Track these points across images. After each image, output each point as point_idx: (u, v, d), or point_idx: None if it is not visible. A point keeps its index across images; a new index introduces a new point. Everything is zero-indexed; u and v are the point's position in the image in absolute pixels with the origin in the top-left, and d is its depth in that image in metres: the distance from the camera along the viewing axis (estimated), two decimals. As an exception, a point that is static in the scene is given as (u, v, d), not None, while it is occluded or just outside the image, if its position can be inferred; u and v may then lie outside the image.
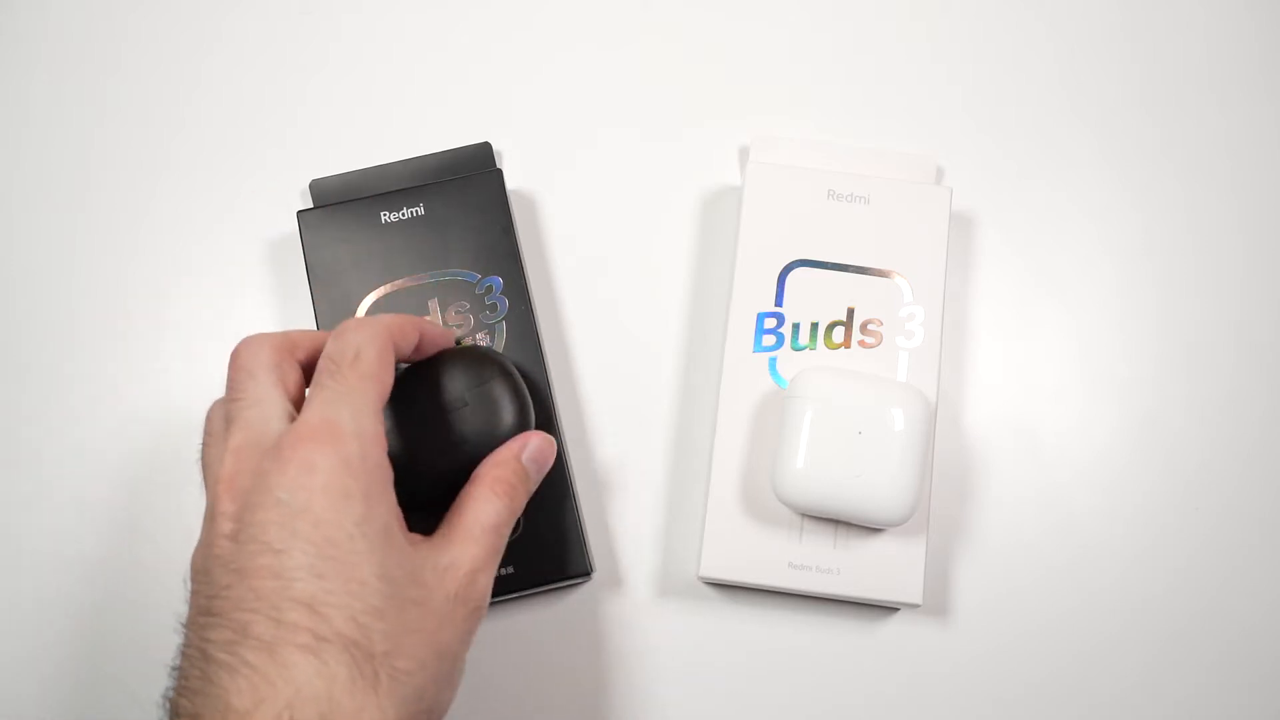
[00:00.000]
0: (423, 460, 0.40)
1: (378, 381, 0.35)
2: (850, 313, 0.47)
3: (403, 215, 0.48)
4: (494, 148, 0.52)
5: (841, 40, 0.54)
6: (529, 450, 0.40)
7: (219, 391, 0.49)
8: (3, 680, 0.47)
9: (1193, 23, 0.54)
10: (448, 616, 0.33)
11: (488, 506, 0.37)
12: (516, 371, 0.43)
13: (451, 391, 0.41)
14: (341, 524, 0.31)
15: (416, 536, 0.35)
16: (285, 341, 0.37)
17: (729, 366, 0.47)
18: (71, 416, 0.49)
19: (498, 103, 0.53)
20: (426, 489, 0.40)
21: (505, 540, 0.38)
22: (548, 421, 0.46)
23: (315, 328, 0.48)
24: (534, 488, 0.41)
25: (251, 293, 0.51)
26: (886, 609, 0.47)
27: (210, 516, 0.34)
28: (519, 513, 0.39)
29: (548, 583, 0.46)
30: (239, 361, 0.37)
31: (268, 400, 0.35)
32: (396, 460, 0.36)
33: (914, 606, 0.46)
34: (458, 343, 0.46)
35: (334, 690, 0.29)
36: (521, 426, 0.42)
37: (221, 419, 0.36)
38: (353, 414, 0.33)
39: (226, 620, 0.31)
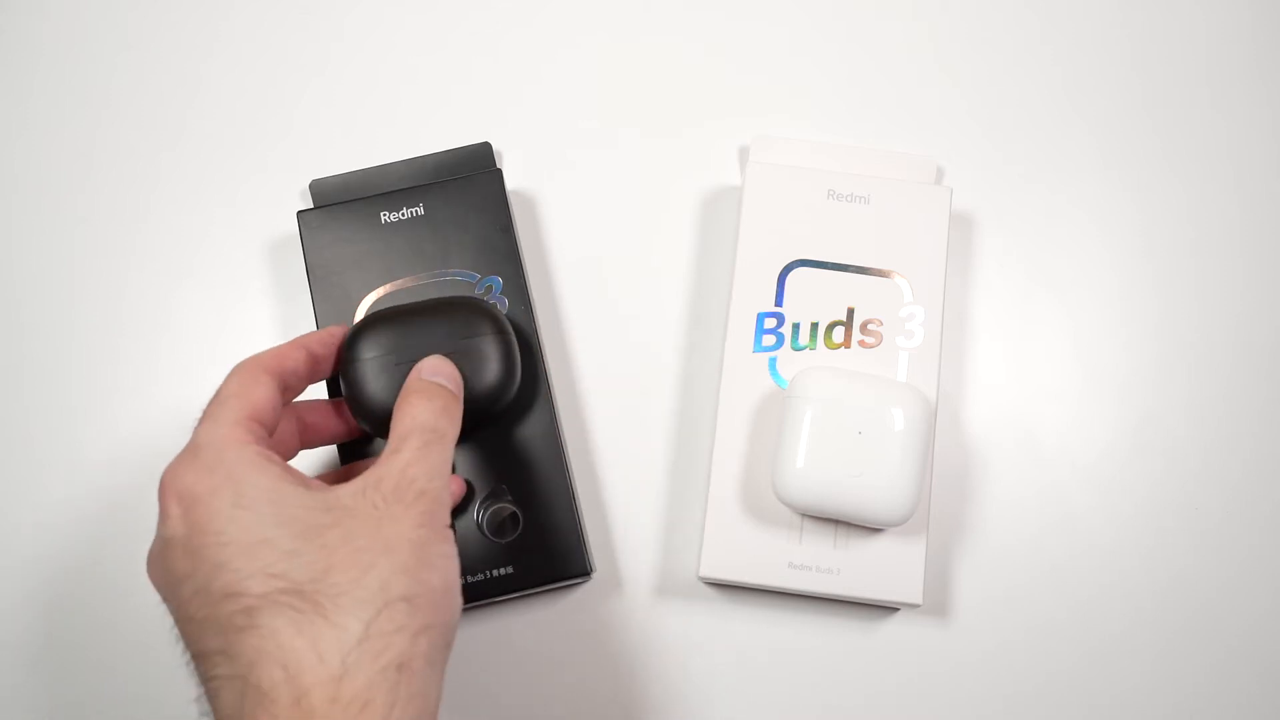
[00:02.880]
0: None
1: (236, 398, 0.38)
2: (850, 313, 0.47)
3: (403, 215, 0.48)
4: (494, 148, 0.52)
5: (841, 40, 0.54)
6: (425, 369, 0.40)
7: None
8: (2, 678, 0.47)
9: (1193, 24, 0.54)
10: (385, 516, 0.34)
11: (407, 412, 0.38)
12: (511, 330, 0.44)
13: (439, 340, 0.42)
14: (221, 512, 0.34)
15: (319, 483, 0.37)
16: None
17: (729, 366, 0.47)
18: (71, 416, 0.49)
19: (498, 103, 0.53)
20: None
21: (441, 435, 0.38)
22: (548, 420, 0.46)
23: (315, 328, 0.48)
24: (458, 394, 0.40)
25: (251, 293, 0.51)
26: (886, 609, 0.47)
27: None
28: (447, 412, 0.39)
29: (547, 583, 0.46)
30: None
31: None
32: (376, 404, 0.41)
33: (914, 606, 0.46)
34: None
35: (281, 640, 0.31)
36: (505, 385, 0.43)
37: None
38: (207, 429, 0.37)
39: (187, 641, 0.34)
